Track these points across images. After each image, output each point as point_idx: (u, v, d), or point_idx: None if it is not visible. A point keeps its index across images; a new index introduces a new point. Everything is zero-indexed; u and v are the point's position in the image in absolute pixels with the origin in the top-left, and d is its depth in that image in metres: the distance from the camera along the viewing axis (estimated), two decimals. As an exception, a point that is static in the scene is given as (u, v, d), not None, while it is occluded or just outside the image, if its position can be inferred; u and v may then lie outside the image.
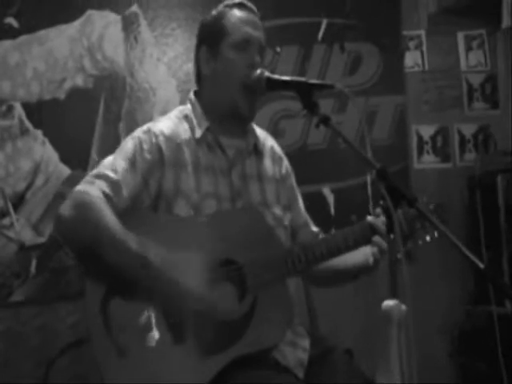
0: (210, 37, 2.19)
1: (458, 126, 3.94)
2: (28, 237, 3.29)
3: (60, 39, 3.37)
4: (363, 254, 2.15)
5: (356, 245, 2.11)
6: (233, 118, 2.17)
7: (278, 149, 2.37)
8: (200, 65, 2.22)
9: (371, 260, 2.12)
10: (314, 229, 2.39)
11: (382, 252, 2.07)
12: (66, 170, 3.35)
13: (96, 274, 1.94)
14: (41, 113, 3.34)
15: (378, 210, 2.08)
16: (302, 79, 1.96)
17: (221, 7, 2.23)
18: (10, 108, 3.30)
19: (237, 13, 2.19)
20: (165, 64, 3.54)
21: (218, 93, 2.16)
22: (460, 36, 3.98)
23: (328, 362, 2.10)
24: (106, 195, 1.97)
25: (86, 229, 1.90)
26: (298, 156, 3.61)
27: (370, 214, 2.15)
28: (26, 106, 3.33)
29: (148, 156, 2.06)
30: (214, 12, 2.23)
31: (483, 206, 3.53)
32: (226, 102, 2.14)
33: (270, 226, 2.12)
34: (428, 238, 2.13)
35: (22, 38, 3.34)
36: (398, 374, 1.65)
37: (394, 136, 3.83)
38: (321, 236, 2.37)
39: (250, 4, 2.25)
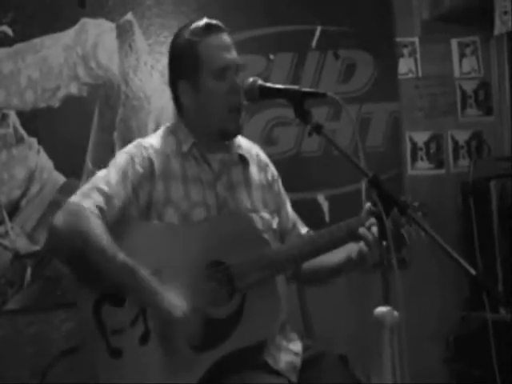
0: (187, 70, 2.20)
1: (452, 133, 3.95)
2: (23, 245, 3.29)
3: (54, 47, 3.38)
4: (347, 249, 2.16)
5: (342, 242, 2.13)
6: (222, 137, 2.23)
7: (263, 156, 2.42)
8: (180, 97, 2.24)
9: (355, 254, 2.11)
10: (304, 230, 2.43)
11: (369, 245, 2.06)
12: (60, 178, 3.36)
13: (87, 281, 2.03)
14: (35, 121, 3.35)
15: (368, 205, 2.08)
16: (295, 87, 1.98)
17: (188, 35, 2.20)
18: (5, 116, 3.30)
19: (208, 40, 2.18)
20: (159, 72, 3.54)
21: (205, 120, 2.21)
22: (453, 43, 3.99)
23: (321, 366, 2.14)
24: (99, 208, 2.04)
25: (77, 237, 1.98)
26: (292, 163, 3.63)
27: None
28: (21, 115, 3.33)
29: (140, 169, 2.13)
30: (182, 42, 2.22)
31: (477, 211, 3.54)
32: (214, 127, 2.20)
33: (258, 229, 2.18)
34: (414, 234, 2.13)
35: (17, 47, 3.35)
36: (391, 380, 1.66)
37: (387, 143, 3.84)
38: None
39: (215, 22, 2.22)
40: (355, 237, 2.11)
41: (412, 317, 1.81)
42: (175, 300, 1.95)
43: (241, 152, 2.30)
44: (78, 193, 2.08)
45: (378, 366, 1.74)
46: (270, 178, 2.38)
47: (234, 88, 2.16)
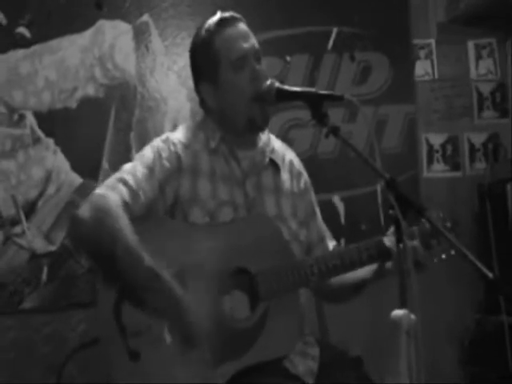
0: (206, 70, 2.17)
1: (468, 135, 3.93)
2: (39, 245, 3.30)
3: (71, 49, 3.39)
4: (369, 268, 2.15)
5: (370, 260, 2.10)
6: (250, 130, 2.18)
7: (297, 163, 2.36)
8: (205, 99, 2.21)
9: (382, 269, 2.11)
10: (331, 244, 2.38)
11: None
12: (77, 179, 3.37)
13: (109, 276, 1.97)
14: (52, 122, 3.36)
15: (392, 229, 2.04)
16: (312, 90, 1.96)
17: (204, 33, 2.18)
18: (22, 117, 3.32)
19: (222, 33, 2.15)
20: (175, 73, 3.55)
21: (231, 116, 2.16)
22: (470, 45, 3.98)
23: (338, 370, 2.11)
24: (124, 202, 1.99)
25: (103, 232, 1.92)
26: (308, 165, 3.56)
27: (380, 224, 2.15)
28: (38, 115, 3.35)
29: (167, 164, 2.09)
30: (199, 42, 2.20)
31: (493, 214, 3.53)
32: (241, 120, 2.15)
33: (285, 239, 2.12)
34: (444, 256, 2.13)
35: (34, 48, 3.36)
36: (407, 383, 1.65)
37: (403, 145, 3.83)
38: None
39: (229, 13, 2.19)
40: (384, 257, 2.09)
41: (427, 320, 1.80)
42: (197, 315, 1.87)
43: (273, 157, 2.24)
44: (104, 185, 2.04)
45: (394, 369, 1.73)
46: (302, 186, 2.32)
47: (255, 76, 2.10)
